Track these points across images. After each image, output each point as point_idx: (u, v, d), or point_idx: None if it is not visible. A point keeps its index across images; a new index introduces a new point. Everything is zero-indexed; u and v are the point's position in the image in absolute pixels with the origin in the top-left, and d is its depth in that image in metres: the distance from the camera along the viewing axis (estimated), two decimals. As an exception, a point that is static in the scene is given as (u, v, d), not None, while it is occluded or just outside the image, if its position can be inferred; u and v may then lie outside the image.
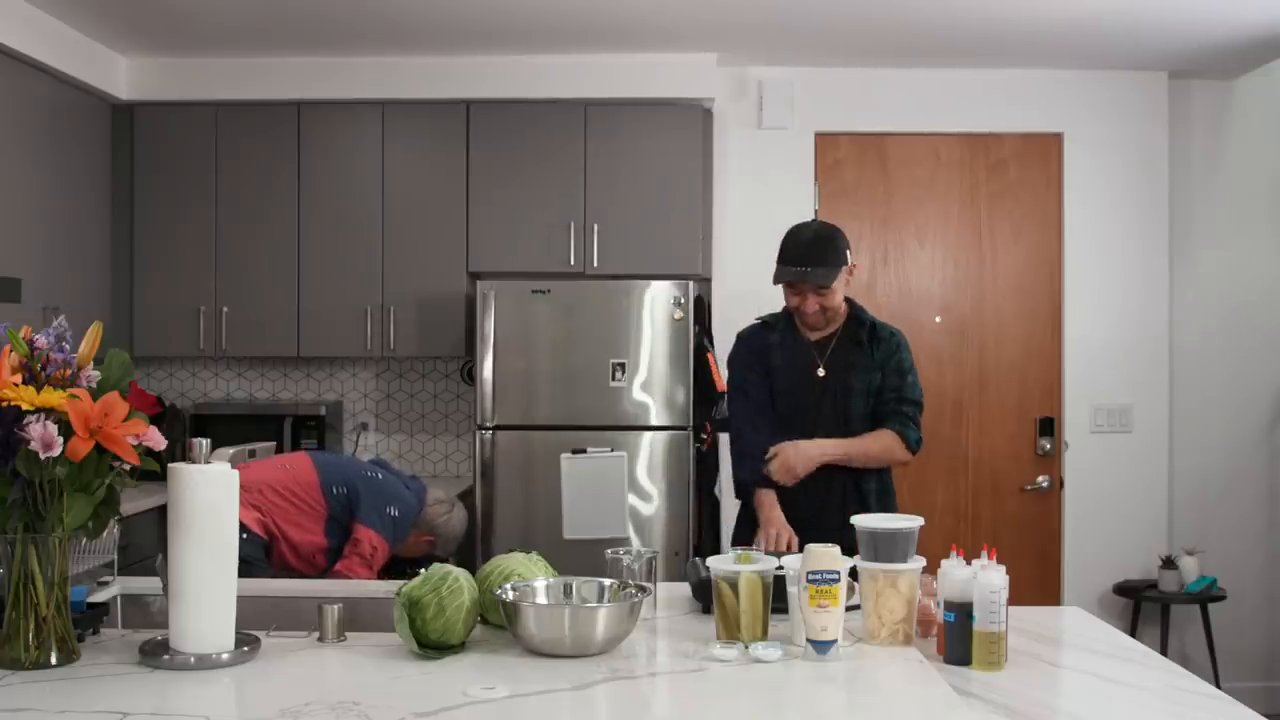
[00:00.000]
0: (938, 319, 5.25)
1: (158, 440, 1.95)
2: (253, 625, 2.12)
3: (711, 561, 2.23)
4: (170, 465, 1.98)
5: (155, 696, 1.84)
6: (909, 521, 2.23)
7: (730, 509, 3.98)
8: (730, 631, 2.14)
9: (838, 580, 2.07)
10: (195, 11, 4.45)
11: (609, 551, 2.37)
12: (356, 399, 5.44)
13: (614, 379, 4.68)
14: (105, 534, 2.07)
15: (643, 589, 2.20)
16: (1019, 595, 2.19)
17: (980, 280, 5.26)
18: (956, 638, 2.08)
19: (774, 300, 3.35)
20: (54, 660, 1.95)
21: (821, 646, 2.06)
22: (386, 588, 2.63)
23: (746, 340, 3.36)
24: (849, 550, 2.22)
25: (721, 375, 4.49)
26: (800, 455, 3.13)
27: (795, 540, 3.06)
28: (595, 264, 4.95)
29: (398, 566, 3.86)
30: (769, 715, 1.86)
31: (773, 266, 3.22)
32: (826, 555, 2.09)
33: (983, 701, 1.89)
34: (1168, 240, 5.22)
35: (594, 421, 4.67)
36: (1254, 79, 5.24)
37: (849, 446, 3.18)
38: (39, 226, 4.51)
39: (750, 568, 2.15)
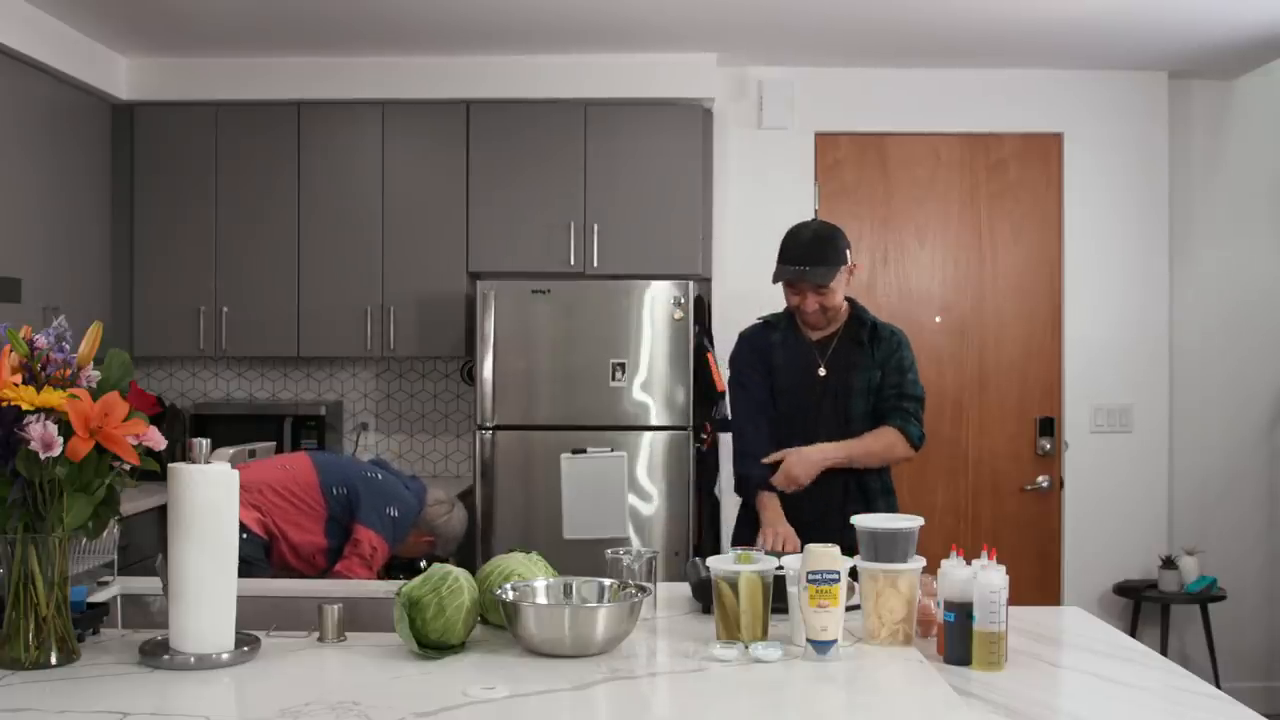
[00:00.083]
0: (938, 319, 5.25)
1: (158, 440, 1.95)
2: (253, 625, 2.12)
3: (711, 561, 2.23)
4: (170, 465, 1.98)
5: (155, 696, 1.84)
6: (909, 521, 2.23)
7: (730, 509, 3.98)
8: (730, 631, 2.14)
9: (838, 580, 2.07)
10: (195, 11, 4.45)
11: (609, 551, 2.37)
12: (356, 399, 5.44)
13: (614, 379, 4.68)
14: (105, 534, 2.07)
15: (643, 589, 2.20)
16: (1019, 595, 2.19)
17: (980, 280, 5.26)
18: (956, 638, 2.08)
19: (774, 300, 3.35)
20: (54, 660, 1.95)
21: (821, 646, 2.06)
22: (386, 588, 2.63)
23: (749, 339, 3.36)
24: (850, 550, 2.22)
25: (721, 375, 4.49)
26: (803, 463, 3.13)
27: (797, 542, 3.06)
28: (595, 264, 4.96)
29: (399, 566, 3.86)
30: (769, 715, 1.86)
31: (773, 266, 3.23)
32: (826, 555, 2.09)
33: (983, 701, 1.89)
34: (1168, 240, 5.22)
35: (594, 421, 4.67)
36: (1254, 79, 5.24)
37: (851, 448, 3.18)
38: (39, 226, 4.51)
39: (750, 568, 2.15)
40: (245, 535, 3.35)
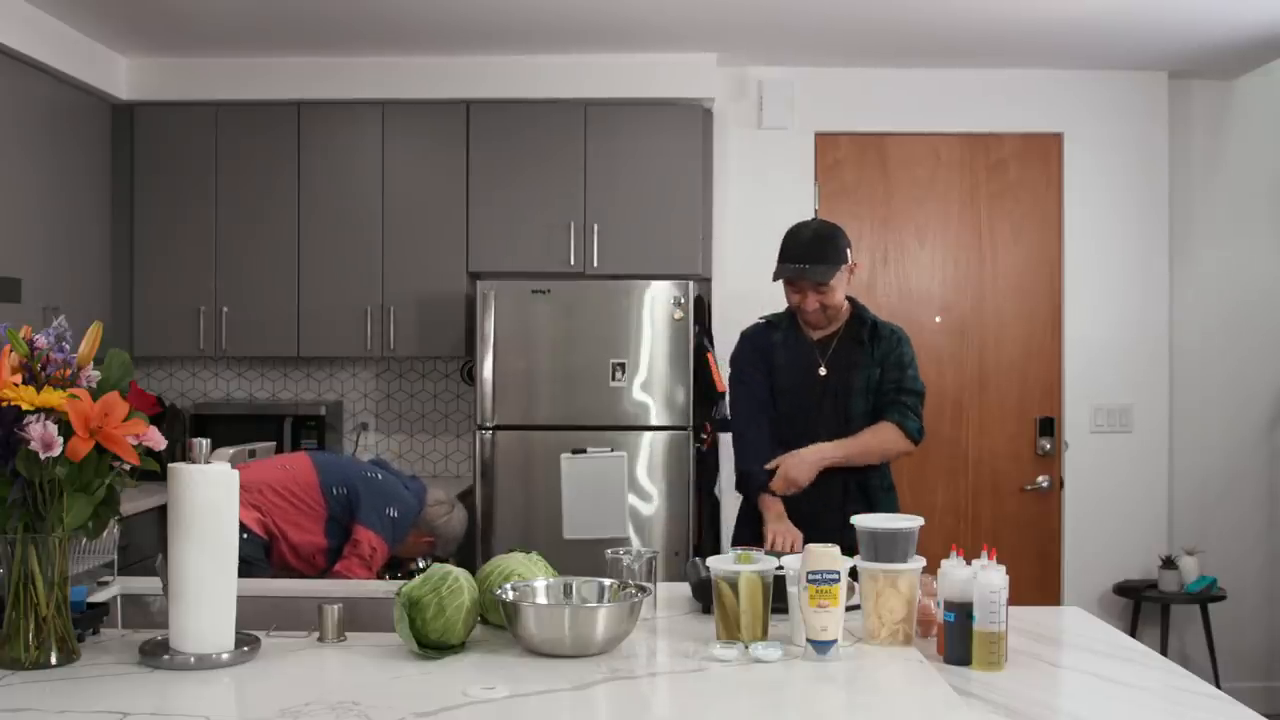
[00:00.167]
0: (938, 319, 5.25)
1: (158, 440, 1.95)
2: (253, 625, 2.12)
3: (711, 561, 2.23)
4: (170, 465, 1.98)
5: (155, 696, 1.84)
6: (909, 521, 2.23)
7: (730, 509, 3.98)
8: (730, 631, 2.14)
9: (838, 580, 2.07)
10: (195, 11, 4.45)
11: (609, 551, 2.37)
12: (356, 399, 5.44)
13: (614, 379, 4.68)
14: (105, 534, 2.07)
15: (643, 589, 2.20)
16: (1019, 595, 2.19)
17: (980, 280, 5.26)
18: (956, 638, 2.08)
19: (774, 300, 3.35)
20: (54, 660, 1.95)
21: (821, 646, 2.06)
22: (386, 588, 2.63)
23: (750, 338, 3.37)
24: (850, 550, 2.22)
25: (721, 375, 4.49)
26: (800, 465, 3.12)
27: (800, 541, 3.06)
28: (595, 264, 4.96)
29: (397, 567, 3.86)
30: (769, 715, 1.86)
31: (773, 266, 3.23)
32: (826, 555, 2.09)
33: (983, 701, 1.89)
34: (1168, 240, 5.22)
35: (594, 421, 4.67)
36: (1254, 79, 5.24)
37: (847, 446, 3.17)
38: (39, 226, 4.51)
39: (750, 568, 2.15)
40: (245, 535, 3.35)
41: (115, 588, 2.46)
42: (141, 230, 5.07)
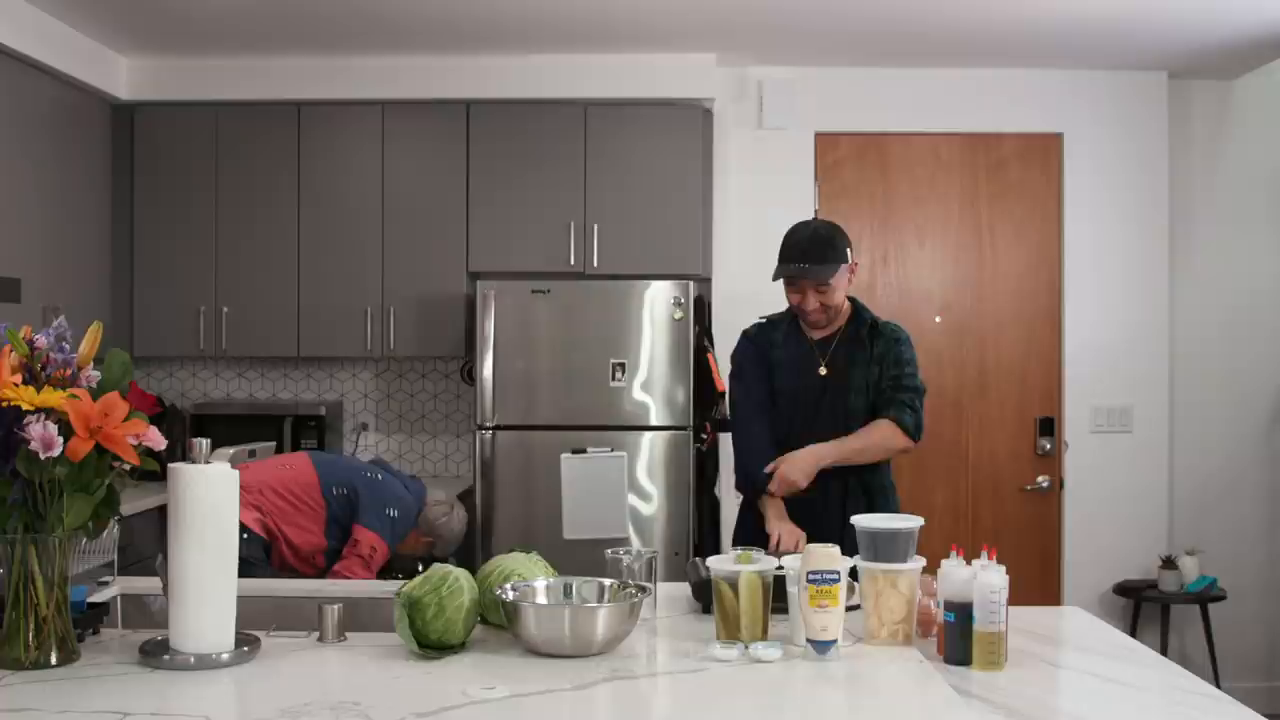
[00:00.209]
0: (938, 319, 5.25)
1: (158, 440, 1.95)
2: (253, 625, 2.12)
3: (711, 561, 2.23)
4: (170, 465, 1.98)
5: (155, 696, 1.84)
6: (909, 521, 2.23)
7: (730, 509, 3.98)
8: (730, 631, 2.14)
9: (838, 580, 2.07)
10: (195, 12, 4.45)
11: (609, 551, 2.37)
12: (356, 399, 5.44)
13: (614, 379, 4.68)
14: (105, 534, 2.07)
15: (643, 589, 2.20)
16: (1019, 595, 2.19)
17: (980, 280, 5.26)
18: (956, 638, 2.08)
19: (774, 300, 3.35)
20: (54, 660, 1.95)
21: (821, 646, 2.06)
22: (386, 588, 2.63)
23: (751, 338, 3.36)
24: (851, 550, 2.22)
25: (721, 375, 4.49)
26: (796, 468, 3.12)
27: (805, 540, 3.05)
28: (595, 264, 4.96)
29: (399, 566, 3.86)
30: (769, 715, 1.86)
31: (773, 266, 3.22)
32: (826, 555, 2.09)
33: (983, 701, 1.89)
34: (1168, 240, 5.22)
35: (594, 421, 4.67)
36: (1254, 79, 5.24)
37: (844, 447, 3.16)
38: (39, 226, 4.51)
39: (750, 568, 2.15)
40: (245, 535, 3.35)
41: (115, 588, 2.46)
42: (141, 230, 5.07)
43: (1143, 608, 5.07)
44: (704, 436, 4.78)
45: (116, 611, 2.32)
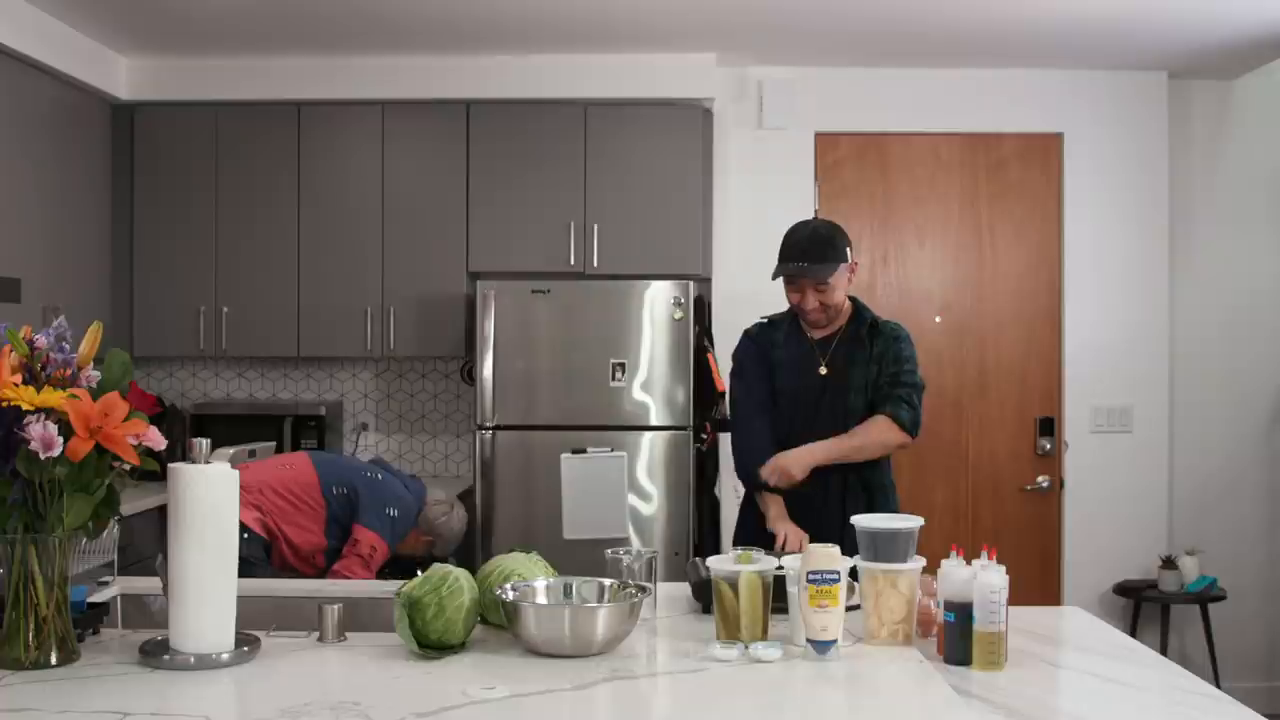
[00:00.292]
0: (938, 319, 5.25)
1: (158, 440, 1.95)
2: (253, 625, 2.12)
3: (711, 561, 2.23)
4: (170, 465, 1.98)
5: (155, 696, 1.84)
6: (909, 521, 2.23)
7: (730, 509, 3.98)
8: (730, 631, 2.14)
9: (838, 580, 2.07)
10: (195, 11, 4.45)
11: (609, 551, 2.37)
12: (356, 399, 5.44)
13: (614, 379, 4.68)
14: (105, 534, 2.07)
15: (643, 589, 2.20)
16: (1019, 595, 2.19)
17: (980, 280, 5.26)
18: (956, 638, 2.08)
19: (774, 300, 3.35)
20: (54, 660, 1.95)
21: (821, 646, 2.06)
22: (386, 588, 2.63)
23: (752, 337, 3.37)
24: (851, 550, 2.22)
25: (721, 375, 4.49)
26: (792, 458, 3.12)
27: (808, 540, 3.05)
28: (595, 264, 4.96)
29: (400, 566, 3.86)
30: (769, 715, 1.86)
31: (773, 266, 3.22)
32: (826, 555, 2.09)
33: (983, 701, 1.89)
34: (1168, 240, 5.22)
35: (594, 421, 4.67)
36: (1254, 79, 5.24)
37: (840, 444, 3.16)
38: (39, 226, 4.51)
39: (750, 568, 2.15)
40: (245, 535, 3.35)
41: (115, 588, 2.46)
42: (141, 230, 5.07)
43: (1143, 608, 5.07)
44: (704, 436, 4.78)
45: (116, 611, 2.32)
